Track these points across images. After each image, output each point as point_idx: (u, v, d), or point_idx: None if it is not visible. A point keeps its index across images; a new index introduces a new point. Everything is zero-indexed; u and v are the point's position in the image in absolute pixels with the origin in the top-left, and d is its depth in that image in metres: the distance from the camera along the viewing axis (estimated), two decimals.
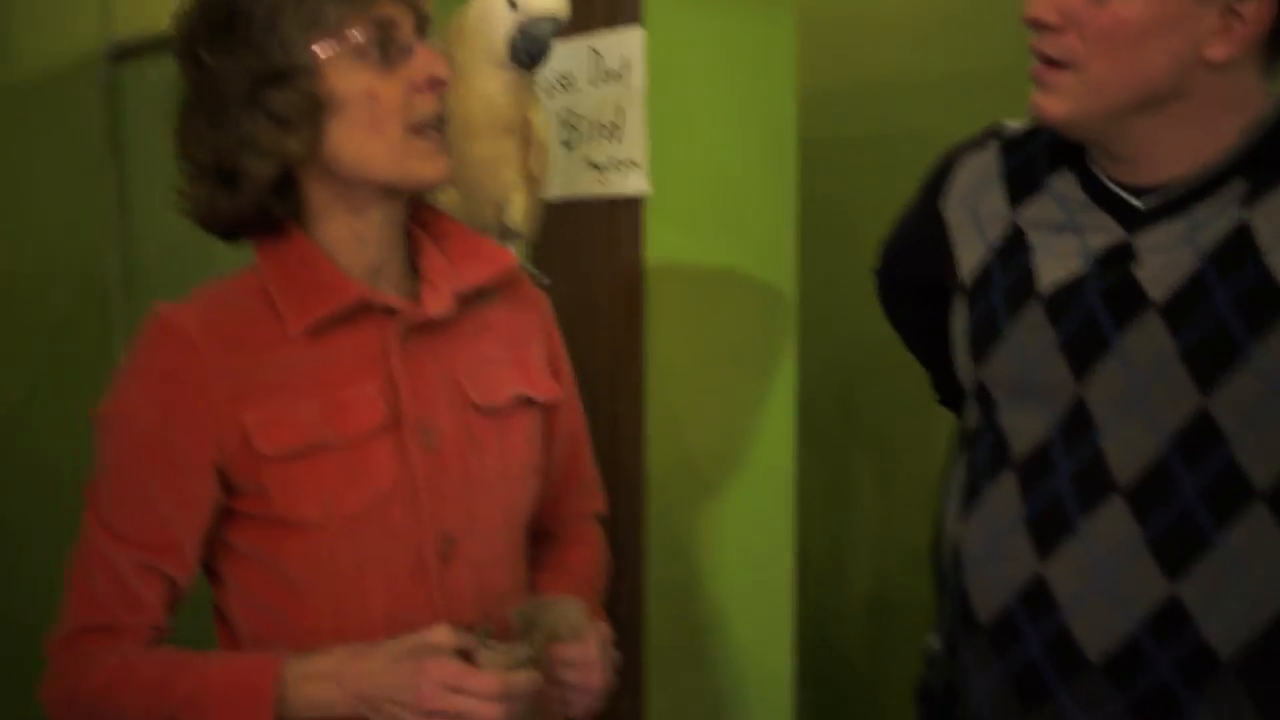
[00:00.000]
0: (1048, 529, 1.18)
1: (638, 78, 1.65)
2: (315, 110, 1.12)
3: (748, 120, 1.86)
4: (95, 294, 2.88)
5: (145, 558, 1.14)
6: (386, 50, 1.13)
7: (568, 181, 1.74)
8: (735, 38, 1.84)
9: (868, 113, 2.76)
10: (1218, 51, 1.11)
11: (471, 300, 1.25)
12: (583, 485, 1.42)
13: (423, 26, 1.17)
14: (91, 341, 2.87)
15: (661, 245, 1.76)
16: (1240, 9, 1.10)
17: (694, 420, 1.85)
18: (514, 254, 1.31)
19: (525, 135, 1.42)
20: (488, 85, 1.35)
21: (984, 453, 1.26)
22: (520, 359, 1.29)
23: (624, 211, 1.71)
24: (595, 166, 1.71)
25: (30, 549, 2.55)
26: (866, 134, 2.77)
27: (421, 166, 1.16)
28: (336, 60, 1.12)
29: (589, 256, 1.73)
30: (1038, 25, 1.15)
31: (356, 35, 1.12)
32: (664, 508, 1.81)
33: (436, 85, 1.16)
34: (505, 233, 1.46)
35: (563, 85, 1.74)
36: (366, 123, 1.13)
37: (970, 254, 1.32)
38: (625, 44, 1.66)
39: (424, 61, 1.15)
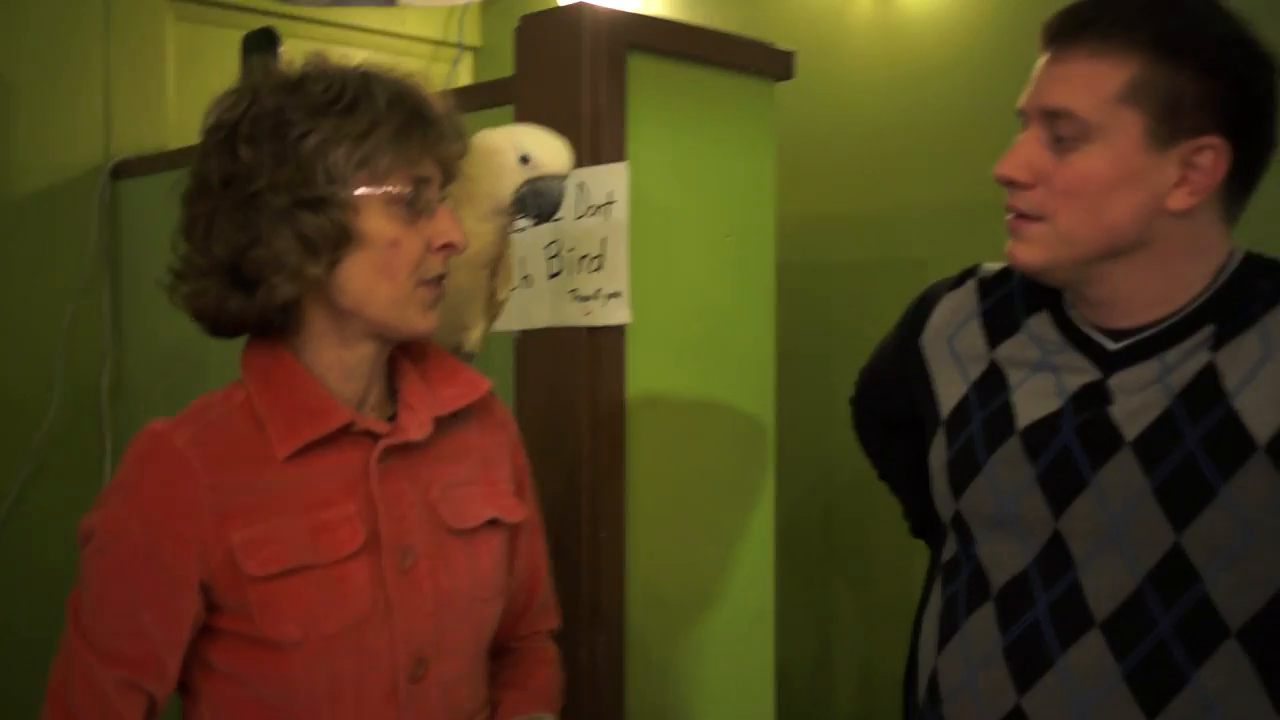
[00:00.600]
0: (1026, 662, 1.18)
1: (621, 211, 1.69)
2: (342, 243, 1.15)
3: (728, 251, 1.91)
4: (88, 405, 2.90)
5: (127, 675, 1.14)
6: (415, 205, 1.17)
7: (554, 312, 1.77)
8: (717, 171, 1.89)
9: (848, 241, 2.83)
10: (1179, 202, 1.15)
11: (446, 423, 1.27)
12: (541, 604, 1.43)
13: (445, 186, 1.23)
14: (83, 452, 2.89)
15: (643, 373, 1.79)
16: (1197, 161, 1.14)
17: (674, 548, 1.85)
18: (488, 381, 1.34)
19: (498, 268, 1.47)
20: (480, 227, 1.39)
21: (962, 584, 1.28)
22: (490, 480, 1.31)
23: (607, 340, 1.74)
24: (580, 298, 1.75)
25: (17, 659, 2.54)
26: (847, 261, 2.83)
27: (417, 318, 1.20)
28: (372, 202, 1.15)
29: (572, 384, 1.75)
30: (1008, 183, 1.20)
31: (397, 186, 1.16)
32: (644, 636, 1.81)
33: (449, 250, 1.21)
34: (461, 355, 1.50)
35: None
36: (381, 266, 1.17)
37: (950, 389, 1.35)
38: (610, 178, 1.71)
39: (445, 226, 1.20)
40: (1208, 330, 1.17)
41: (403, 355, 1.29)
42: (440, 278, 1.22)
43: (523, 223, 1.46)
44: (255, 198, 1.14)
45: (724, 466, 1.92)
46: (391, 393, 1.28)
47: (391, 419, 1.25)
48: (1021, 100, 1.21)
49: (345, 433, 1.20)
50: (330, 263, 1.15)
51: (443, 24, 3.60)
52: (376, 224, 1.16)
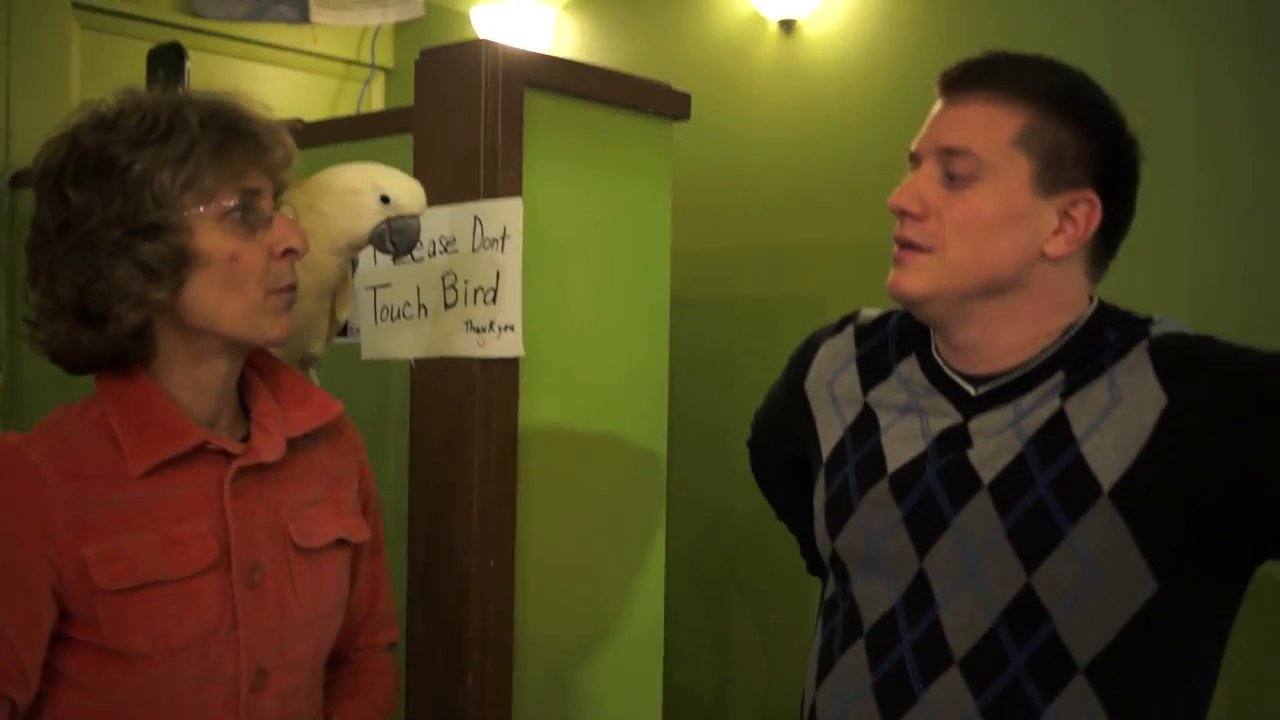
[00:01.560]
0: (893, 697, 1.23)
1: (515, 245, 1.72)
2: (182, 265, 1.17)
3: (622, 286, 1.95)
4: None
5: None
6: (249, 217, 1.20)
7: (446, 341, 1.80)
8: (613, 207, 1.93)
9: (748, 276, 2.89)
10: (1056, 248, 1.22)
11: (298, 443, 1.30)
12: (381, 617, 1.47)
13: (279, 195, 1.25)
14: None
15: (536, 405, 1.81)
16: (1073, 212, 1.22)
17: (565, 578, 1.88)
18: (339, 404, 1.38)
19: (341, 291, 1.53)
20: (329, 259, 1.44)
21: (839, 622, 1.32)
22: (337, 500, 1.35)
23: (500, 371, 1.77)
24: (475, 329, 1.77)
25: None
26: (746, 295, 2.89)
27: (270, 325, 1.23)
28: (204, 221, 1.18)
29: (466, 413, 1.77)
30: (902, 213, 1.26)
31: (226, 200, 1.18)
32: (533, 665, 1.83)
33: (291, 255, 1.23)
34: (307, 360, 1.55)
35: (445, 248, 1.80)
36: (226, 282, 1.19)
37: (829, 432, 1.40)
38: (505, 213, 1.73)
39: (283, 232, 1.22)
40: (1059, 378, 1.23)
41: (255, 376, 1.32)
42: (291, 286, 1.24)
43: (383, 258, 1.51)
44: (90, 236, 1.16)
45: (616, 498, 1.95)
46: (245, 413, 1.31)
47: (245, 439, 1.27)
48: (915, 143, 1.28)
49: (200, 451, 1.22)
50: (174, 285, 1.17)
51: (355, 44, 3.60)
52: (212, 241, 1.18)
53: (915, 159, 1.28)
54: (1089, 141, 1.22)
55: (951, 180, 1.23)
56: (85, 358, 1.21)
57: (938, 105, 1.28)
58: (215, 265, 1.18)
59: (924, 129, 1.28)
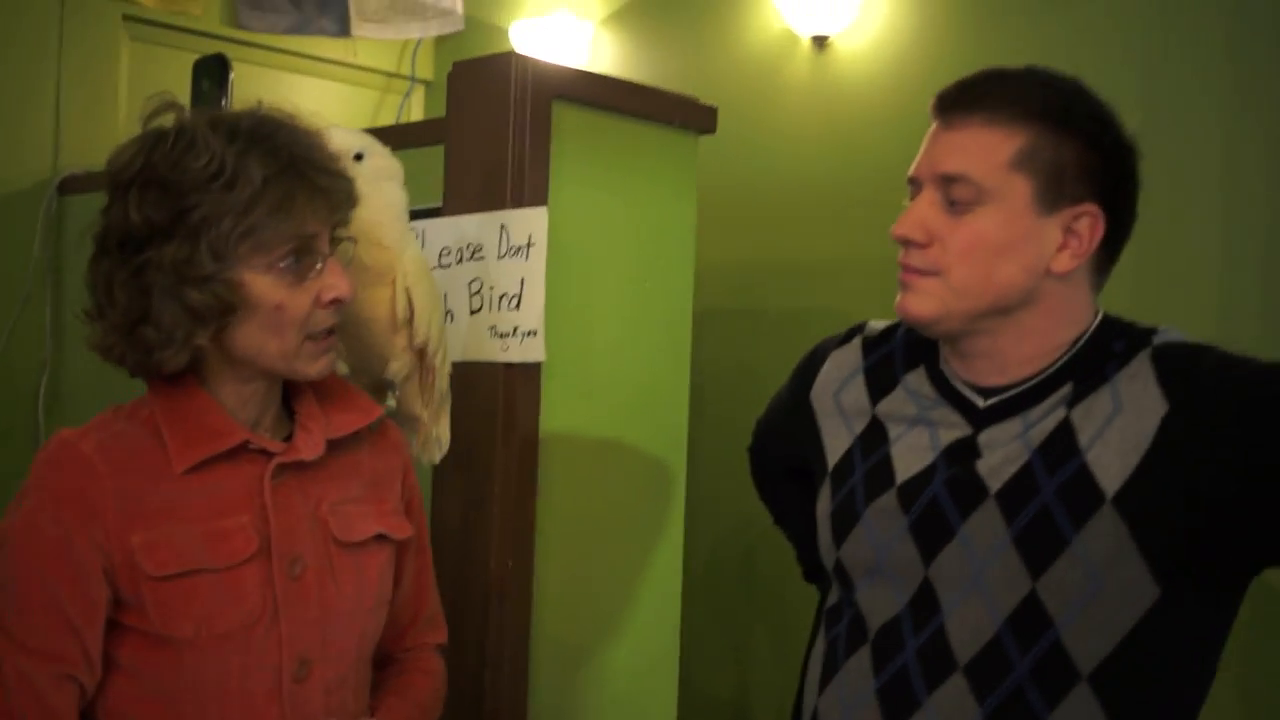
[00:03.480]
0: (896, 703, 1.24)
1: (539, 252, 1.76)
2: (228, 311, 1.21)
3: (645, 296, 1.98)
4: (26, 414, 2.93)
5: (60, 668, 1.20)
6: (301, 264, 1.23)
7: (473, 346, 1.84)
8: (637, 218, 1.96)
9: (774, 288, 2.90)
10: (1062, 264, 1.24)
11: (339, 444, 1.35)
12: (428, 618, 1.50)
13: (335, 230, 1.29)
14: (18, 459, 2.88)
15: (558, 411, 1.85)
16: (1076, 227, 1.23)
17: (582, 583, 1.91)
18: (382, 408, 1.42)
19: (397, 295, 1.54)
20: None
21: (843, 629, 1.34)
22: (379, 498, 1.39)
23: (523, 376, 1.80)
24: (499, 334, 1.81)
25: None
26: (771, 309, 2.91)
27: (306, 367, 1.28)
28: (256, 270, 1.21)
29: (489, 416, 1.81)
30: (905, 242, 1.27)
31: (281, 249, 1.22)
32: (551, 669, 1.86)
33: (338, 304, 1.27)
34: (383, 385, 1.58)
35: (472, 255, 1.85)
36: (268, 326, 1.23)
37: (836, 442, 1.42)
38: (530, 221, 1.77)
39: (332, 280, 1.26)
40: (1066, 388, 1.24)
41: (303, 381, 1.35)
42: (330, 331, 1.28)
43: None
44: (145, 269, 1.20)
45: (634, 504, 1.98)
46: (290, 413, 1.35)
47: (288, 438, 1.32)
48: (913, 168, 1.29)
49: (242, 450, 1.27)
50: (219, 329, 1.22)
51: (396, 57, 3.65)
52: (260, 290, 1.22)
53: (914, 183, 1.29)
54: (1088, 154, 1.23)
55: (952, 205, 1.24)
56: (134, 369, 1.27)
57: (933, 128, 1.28)
58: (261, 312, 1.22)
59: (921, 154, 1.28)
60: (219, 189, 1.18)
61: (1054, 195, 1.22)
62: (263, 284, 1.22)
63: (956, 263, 1.24)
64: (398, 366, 1.56)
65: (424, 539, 1.49)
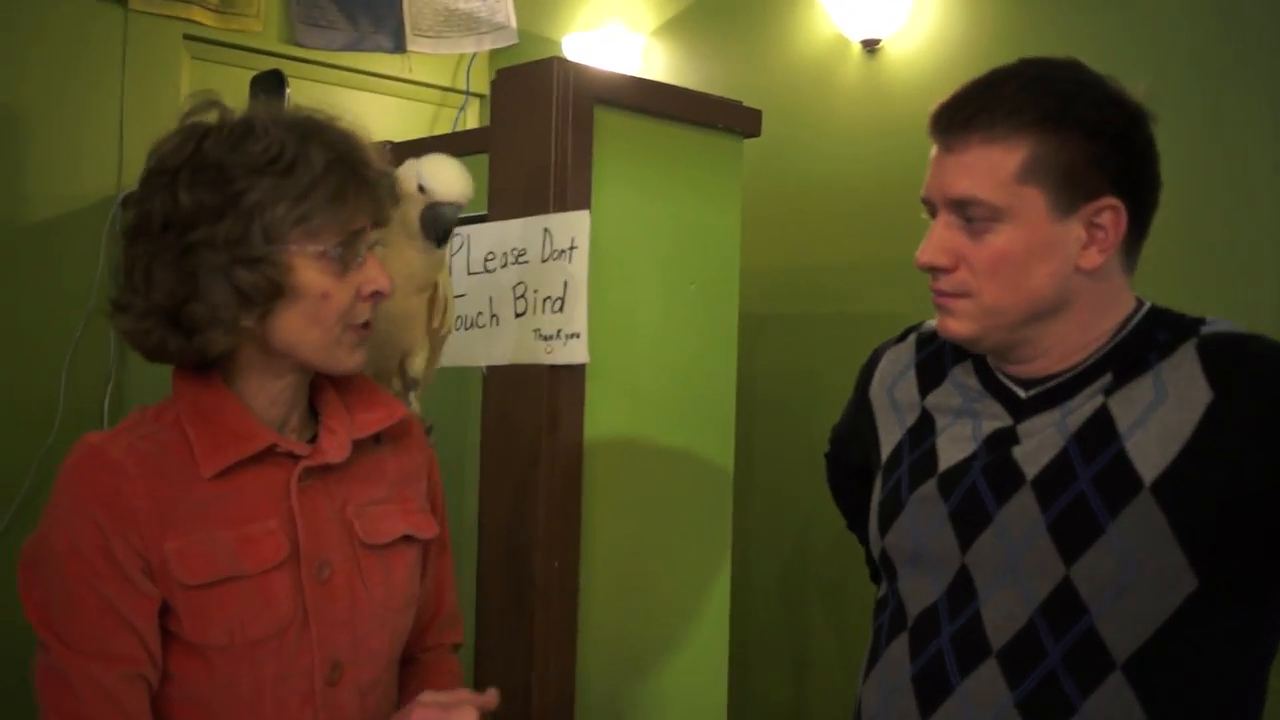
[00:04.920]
0: (930, 689, 1.24)
1: (582, 255, 1.77)
2: (275, 296, 1.22)
3: (690, 300, 1.98)
4: (91, 423, 2.99)
5: (126, 669, 1.20)
6: (346, 256, 1.24)
7: (518, 350, 1.85)
8: (681, 222, 1.97)
9: (827, 292, 2.89)
10: (1090, 261, 1.22)
11: (364, 445, 1.35)
12: (447, 616, 1.50)
13: (376, 228, 1.30)
14: None
15: (603, 414, 1.86)
16: (1099, 220, 1.21)
17: (629, 588, 1.91)
18: (407, 407, 1.42)
19: (434, 297, 1.55)
20: (406, 251, 1.48)
21: (886, 618, 1.34)
22: (404, 498, 1.39)
23: (567, 379, 1.81)
24: (543, 336, 1.82)
25: (18, 670, 2.60)
26: (825, 311, 2.90)
27: (345, 357, 1.28)
28: (305, 257, 1.22)
29: (533, 419, 1.82)
30: (930, 269, 1.26)
31: (330, 240, 1.23)
32: (599, 669, 1.86)
33: (376, 298, 1.28)
34: (407, 382, 1.58)
35: (517, 259, 1.86)
36: (311, 315, 1.24)
37: (889, 436, 1.42)
38: (573, 225, 1.79)
39: (373, 274, 1.27)
40: (1106, 377, 1.23)
41: (326, 380, 1.36)
42: (366, 324, 1.28)
43: (459, 269, 1.53)
44: (194, 249, 1.20)
45: (680, 506, 1.98)
46: (314, 415, 1.35)
47: (313, 440, 1.32)
48: (924, 190, 1.27)
49: (268, 453, 1.27)
50: (263, 313, 1.22)
51: (451, 72, 3.69)
52: (309, 277, 1.23)
53: (928, 204, 1.27)
54: (1095, 146, 1.20)
55: (970, 224, 1.23)
56: (169, 357, 1.26)
57: (934, 152, 1.26)
58: (306, 300, 1.23)
59: (928, 177, 1.27)
60: (276, 174, 1.19)
61: (1069, 197, 1.20)
62: (311, 271, 1.22)
63: (985, 283, 1.23)
64: (421, 363, 1.58)
65: (445, 538, 1.49)
